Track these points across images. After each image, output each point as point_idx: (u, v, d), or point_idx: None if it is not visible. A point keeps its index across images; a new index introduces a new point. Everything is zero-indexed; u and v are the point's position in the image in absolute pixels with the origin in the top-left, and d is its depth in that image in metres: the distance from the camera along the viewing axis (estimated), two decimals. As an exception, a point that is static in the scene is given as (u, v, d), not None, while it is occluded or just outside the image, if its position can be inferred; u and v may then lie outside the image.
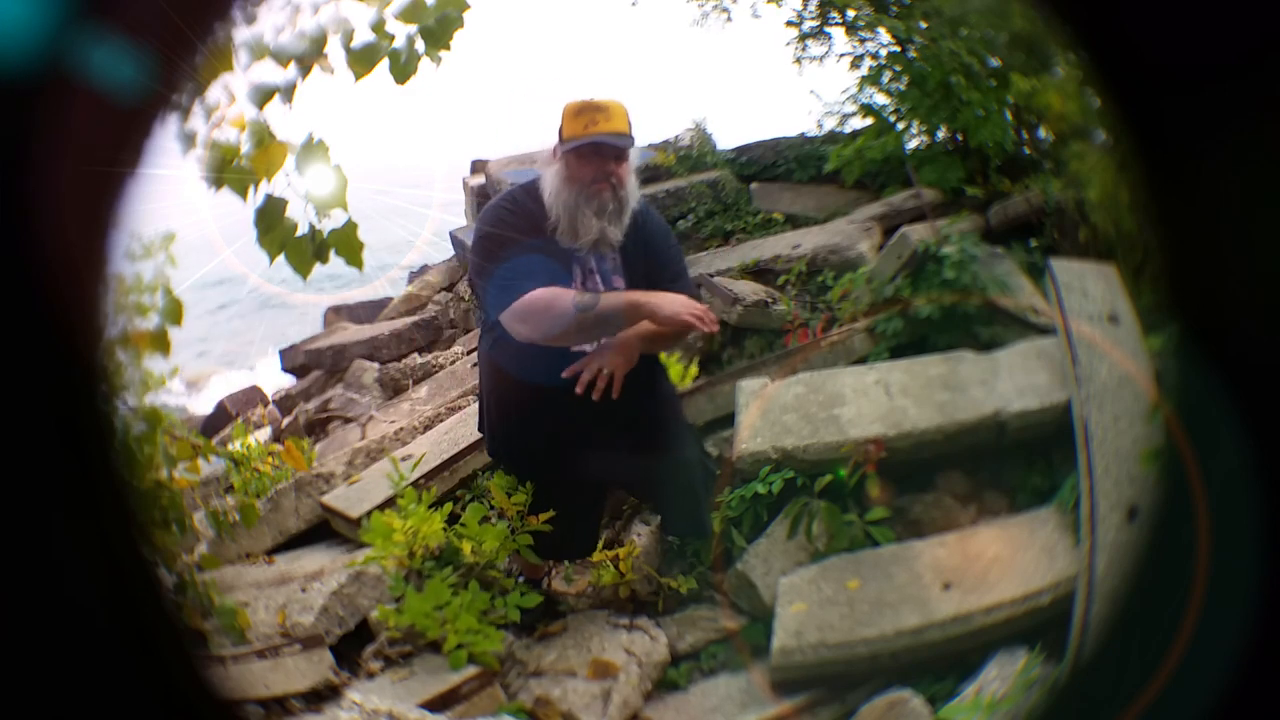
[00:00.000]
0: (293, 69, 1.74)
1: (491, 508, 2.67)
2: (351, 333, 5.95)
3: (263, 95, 1.73)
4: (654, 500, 2.83)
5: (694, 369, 3.39)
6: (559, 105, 2.36)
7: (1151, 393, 2.10)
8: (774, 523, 2.60)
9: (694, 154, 5.56)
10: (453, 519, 2.68)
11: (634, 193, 2.38)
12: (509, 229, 2.35)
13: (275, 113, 1.75)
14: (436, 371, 4.83)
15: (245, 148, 1.72)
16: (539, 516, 2.45)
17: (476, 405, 2.74)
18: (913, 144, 4.64)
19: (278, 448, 3.40)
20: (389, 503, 2.81)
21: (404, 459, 2.95)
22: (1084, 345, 2.31)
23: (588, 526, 2.68)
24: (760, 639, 2.36)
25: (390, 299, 6.92)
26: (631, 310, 2.24)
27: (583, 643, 2.46)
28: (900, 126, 4.59)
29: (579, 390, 2.30)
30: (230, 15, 1.45)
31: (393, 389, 4.91)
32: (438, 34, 1.89)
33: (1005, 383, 2.66)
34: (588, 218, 2.30)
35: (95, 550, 0.71)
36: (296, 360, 5.97)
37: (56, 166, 0.66)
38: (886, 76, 4.51)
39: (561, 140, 2.33)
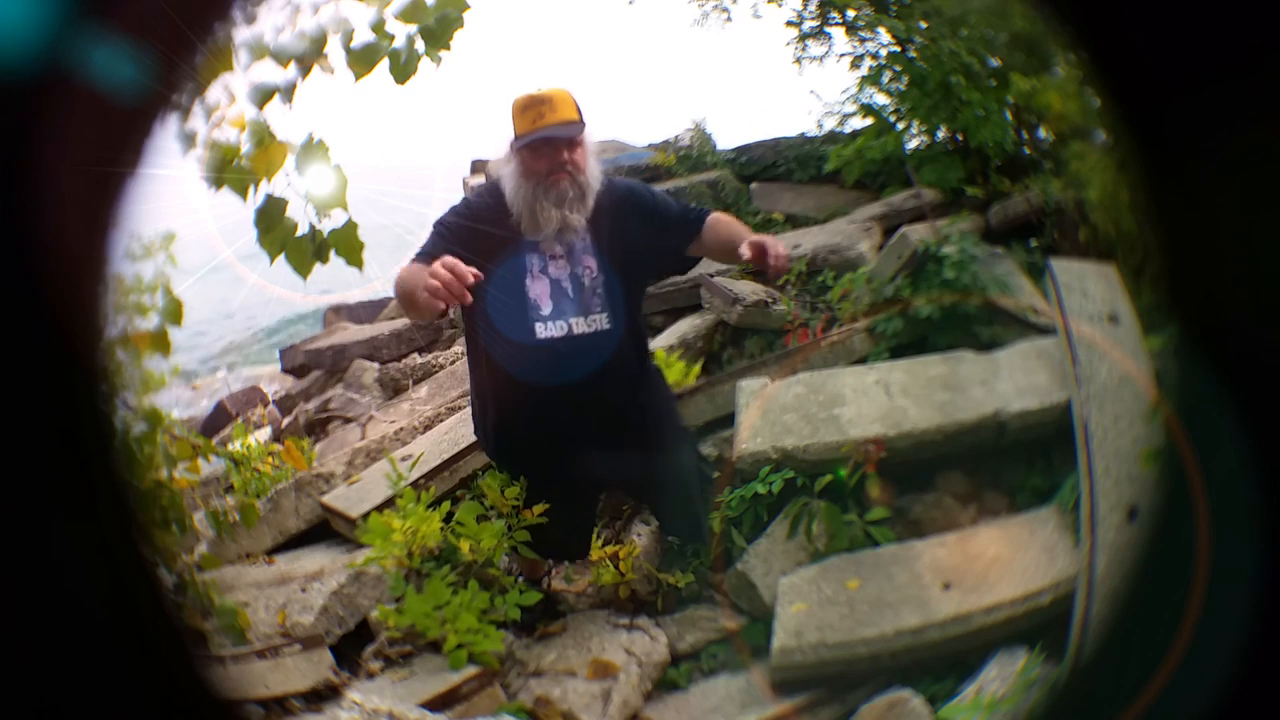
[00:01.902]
0: (293, 69, 1.75)
1: (490, 508, 2.67)
2: (351, 333, 5.94)
3: (263, 95, 1.73)
4: (650, 502, 2.83)
5: (696, 368, 3.39)
6: (509, 103, 2.38)
7: (1151, 393, 2.10)
8: (774, 523, 2.60)
9: (694, 154, 5.56)
10: (452, 519, 2.68)
11: (595, 175, 2.39)
12: (474, 214, 2.39)
13: (275, 113, 1.75)
14: (436, 371, 4.82)
15: (245, 148, 1.73)
16: (534, 510, 2.45)
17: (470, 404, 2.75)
18: (913, 144, 4.64)
19: (278, 448, 3.40)
20: (389, 503, 2.81)
21: (404, 459, 2.95)
22: (1084, 345, 2.31)
23: (583, 525, 2.68)
24: (760, 639, 2.36)
25: (390, 299, 6.91)
26: (412, 292, 2.19)
27: (583, 643, 2.46)
28: (900, 126, 4.59)
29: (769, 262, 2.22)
30: (230, 15, 1.45)
31: (393, 389, 4.90)
32: (438, 34, 1.89)
33: (1005, 383, 2.66)
34: (547, 209, 2.32)
35: (95, 550, 0.71)
36: (296, 360, 5.96)
37: (56, 166, 0.66)
38: (886, 76, 4.52)
39: (514, 138, 2.35)
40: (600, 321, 2.39)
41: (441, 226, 2.41)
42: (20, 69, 0.63)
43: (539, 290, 2.37)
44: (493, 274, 2.33)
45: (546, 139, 2.29)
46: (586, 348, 2.37)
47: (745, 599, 2.55)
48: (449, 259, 1.99)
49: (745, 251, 2.21)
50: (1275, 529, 0.68)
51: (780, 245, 2.26)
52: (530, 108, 2.30)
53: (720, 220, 2.48)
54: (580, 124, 2.33)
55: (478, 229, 2.36)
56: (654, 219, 2.48)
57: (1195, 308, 0.71)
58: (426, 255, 2.32)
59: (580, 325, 2.38)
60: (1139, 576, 0.88)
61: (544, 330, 2.35)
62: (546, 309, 2.36)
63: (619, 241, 2.43)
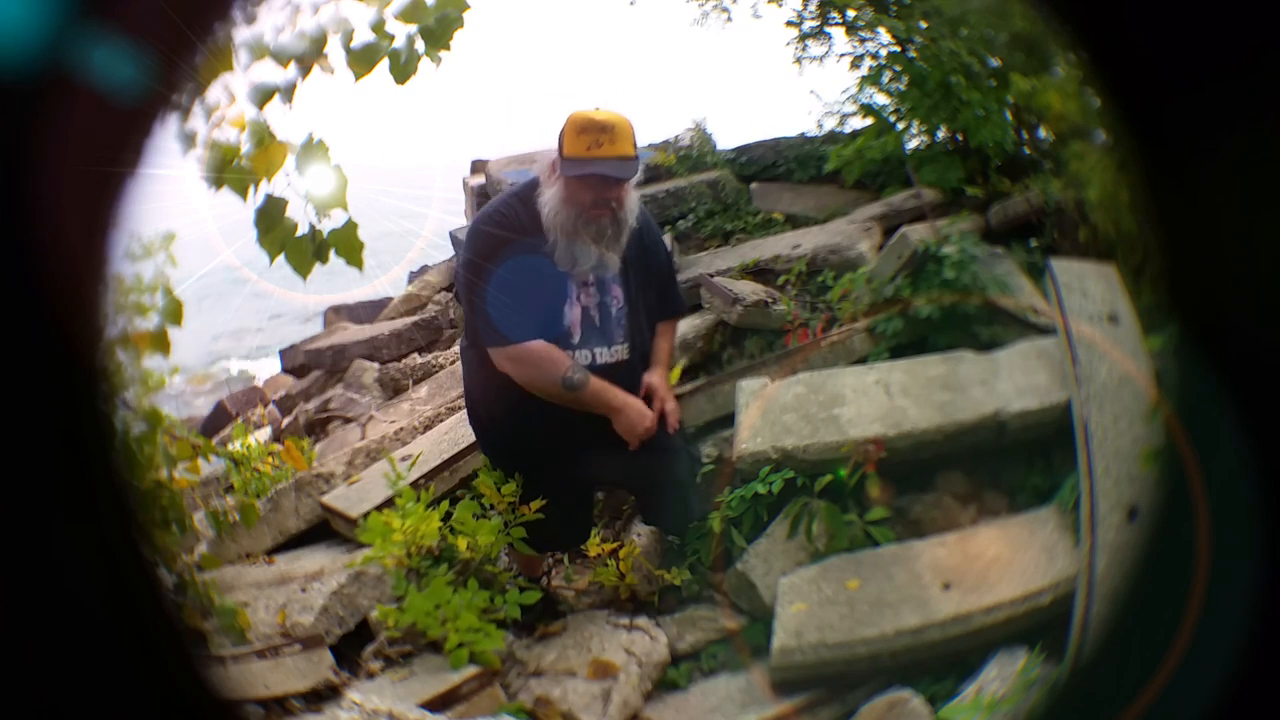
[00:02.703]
0: (293, 69, 1.74)
1: (491, 507, 2.66)
2: (351, 333, 5.94)
3: (263, 95, 1.73)
4: (643, 490, 2.81)
5: (676, 371, 3.37)
6: (563, 110, 2.32)
7: (1151, 393, 2.10)
8: (774, 523, 2.60)
9: (694, 154, 5.55)
10: (450, 518, 2.68)
11: (633, 210, 2.35)
12: (509, 232, 2.34)
13: (275, 113, 1.75)
14: (436, 371, 4.82)
15: (245, 148, 1.73)
16: (530, 506, 2.45)
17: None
18: (913, 144, 4.63)
19: (278, 448, 3.40)
20: (389, 502, 2.81)
21: (403, 459, 2.95)
22: (1084, 345, 2.31)
23: (580, 515, 2.68)
24: (760, 639, 2.36)
25: (390, 299, 6.91)
26: (606, 411, 2.39)
27: (583, 643, 2.46)
28: (900, 126, 4.58)
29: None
30: (230, 15, 1.45)
31: (393, 389, 4.90)
32: (438, 34, 1.89)
33: (1005, 383, 2.66)
34: (586, 244, 2.29)
35: (95, 550, 0.71)
36: (296, 360, 5.96)
37: (56, 167, 0.66)
38: (886, 76, 4.51)
39: (562, 156, 2.26)
40: (621, 352, 2.44)
41: (495, 236, 2.35)
42: (20, 69, 0.63)
43: (573, 318, 2.39)
44: (505, 278, 2.34)
45: (605, 175, 2.23)
46: (606, 376, 2.40)
47: (745, 599, 2.55)
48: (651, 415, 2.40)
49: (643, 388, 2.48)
50: (1275, 529, 0.68)
51: (669, 405, 2.50)
52: (588, 131, 2.22)
53: (665, 334, 2.62)
54: (636, 162, 2.27)
55: (509, 243, 2.34)
56: (657, 276, 2.56)
57: (1195, 308, 0.71)
58: (519, 304, 2.31)
59: (604, 355, 2.41)
60: (1139, 576, 0.88)
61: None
62: (576, 338, 2.39)
63: (642, 274, 2.48)
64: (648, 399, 2.50)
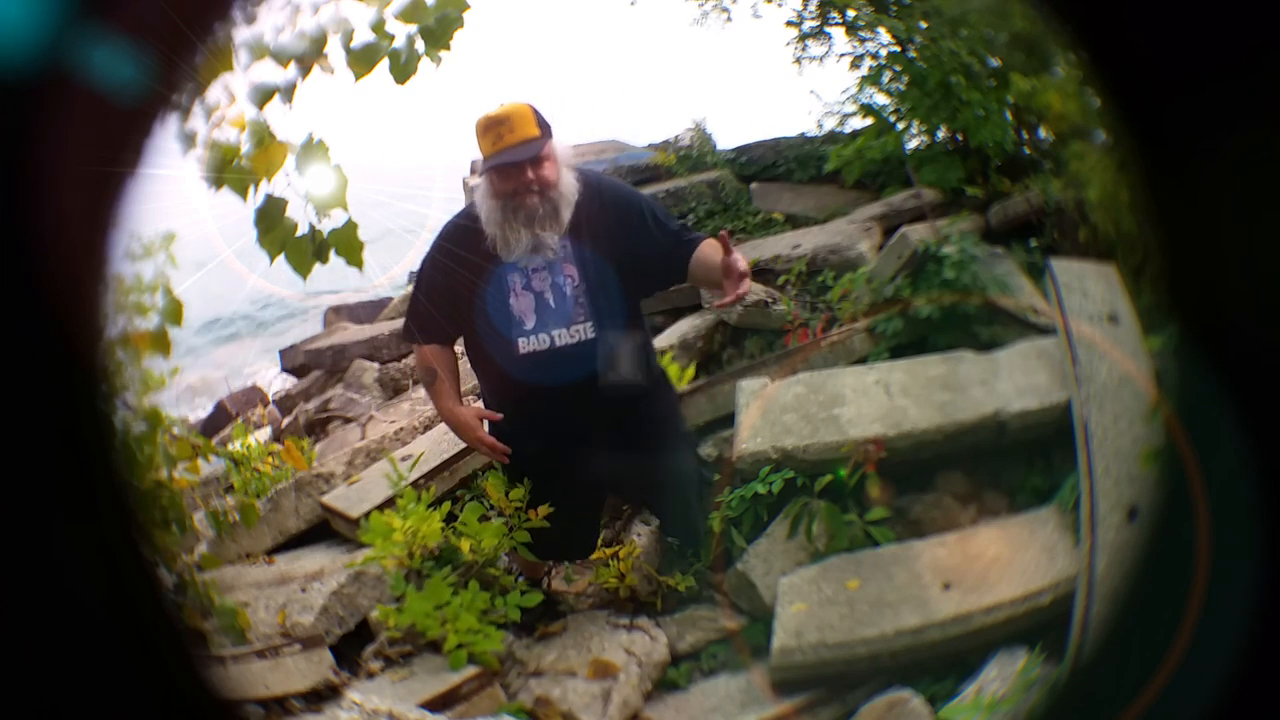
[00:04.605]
0: (293, 69, 1.74)
1: (491, 507, 2.67)
2: (351, 333, 5.94)
3: (263, 95, 1.73)
4: (649, 506, 2.83)
5: (690, 371, 3.39)
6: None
7: (1151, 393, 2.10)
8: (774, 523, 2.60)
9: (694, 154, 5.55)
10: (452, 519, 2.68)
11: (568, 186, 2.38)
12: (471, 221, 2.44)
13: (275, 113, 1.75)
14: (436, 371, 4.81)
15: (245, 148, 1.73)
16: (537, 511, 2.44)
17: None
18: (913, 144, 4.63)
19: (278, 448, 3.40)
20: (389, 503, 2.81)
21: (404, 459, 2.95)
22: (1084, 345, 2.30)
23: (586, 527, 2.68)
24: (760, 639, 2.36)
25: (390, 299, 6.91)
26: (438, 411, 2.63)
27: (583, 643, 2.46)
28: (900, 126, 4.58)
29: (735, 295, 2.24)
30: (230, 15, 1.45)
31: (393, 389, 4.90)
32: (438, 34, 1.89)
33: (1005, 383, 2.66)
34: (516, 229, 2.34)
35: (95, 550, 0.71)
36: (296, 360, 5.96)
37: (56, 166, 0.66)
38: (886, 76, 4.51)
39: (482, 159, 2.40)
40: (584, 331, 2.38)
41: (421, 277, 2.54)
42: (20, 69, 0.63)
43: (523, 306, 2.39)
44: (488, 284, 2.38)
45: (508, 162, 2.31)
46: (573, 357, 2.37)
47: (745, 599, 2.55)
48: (488, 439, 2.44)
49: (720, 275, 2.24)
50: (1275, 529, 0.68)
51: (745, 273, 2.23)
52: (490, 129, 2.32)
53: (710, 245, 2.44)
54: (540, 140, 2.31)
55: (460, 258, 2.41)
56: (647, 232, 2.45)
57: (1195, 308, 0.71)
58: (422, 324, 2.50)
59: (564, 337, 2.38)
60: (1139, 576, 0.88)
61: (527, 345, 2.38)
62: (530, 323, 2.38)
63: (606, 245, 2.41)
64: (728, 275, 2.24)
